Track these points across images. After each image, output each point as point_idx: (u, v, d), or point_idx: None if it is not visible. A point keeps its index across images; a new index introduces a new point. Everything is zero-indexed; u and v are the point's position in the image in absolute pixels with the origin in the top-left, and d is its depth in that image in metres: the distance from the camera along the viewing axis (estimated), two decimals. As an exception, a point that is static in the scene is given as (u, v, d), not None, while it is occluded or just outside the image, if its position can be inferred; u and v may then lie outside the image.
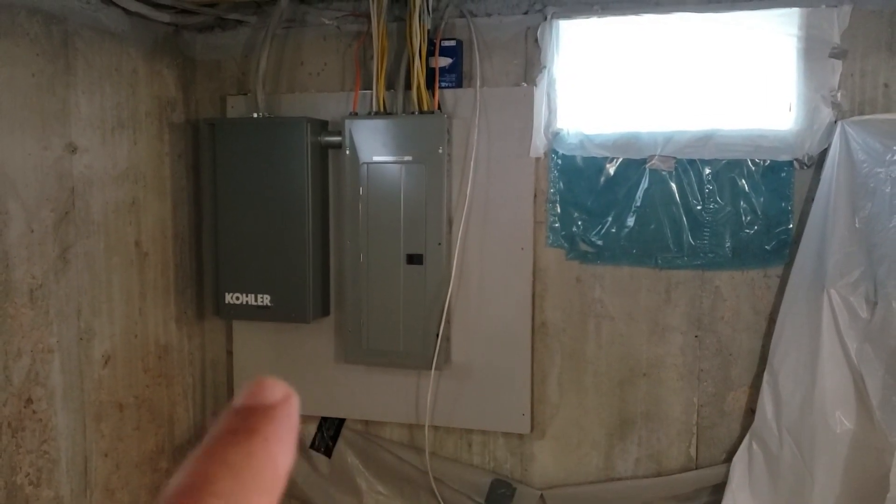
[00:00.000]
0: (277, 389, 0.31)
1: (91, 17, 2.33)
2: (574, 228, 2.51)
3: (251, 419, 0.30)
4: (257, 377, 0.32)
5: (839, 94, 2.26)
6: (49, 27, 2.19)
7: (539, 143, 2.48)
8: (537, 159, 2.51)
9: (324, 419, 2.83)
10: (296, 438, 0.31)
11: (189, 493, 0.28)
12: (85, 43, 2.32)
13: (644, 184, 2.43)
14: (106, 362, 2.44)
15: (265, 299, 2.61)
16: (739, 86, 2.38)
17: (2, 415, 2.08)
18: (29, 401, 2.17)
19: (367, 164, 2.52)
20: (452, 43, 2.52)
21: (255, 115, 2.60)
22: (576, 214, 2.51)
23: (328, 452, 2.82)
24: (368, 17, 2.48)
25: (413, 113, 2.49)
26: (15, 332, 2.11)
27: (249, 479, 0.29)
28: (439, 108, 2.50)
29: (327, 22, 2.64)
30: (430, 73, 2.49)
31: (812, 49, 2.28)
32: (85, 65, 2.32)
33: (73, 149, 2.28)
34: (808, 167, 2.32)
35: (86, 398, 2.37)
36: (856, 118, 2.23)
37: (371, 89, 2.52)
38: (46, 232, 2.20)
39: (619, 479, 2.57)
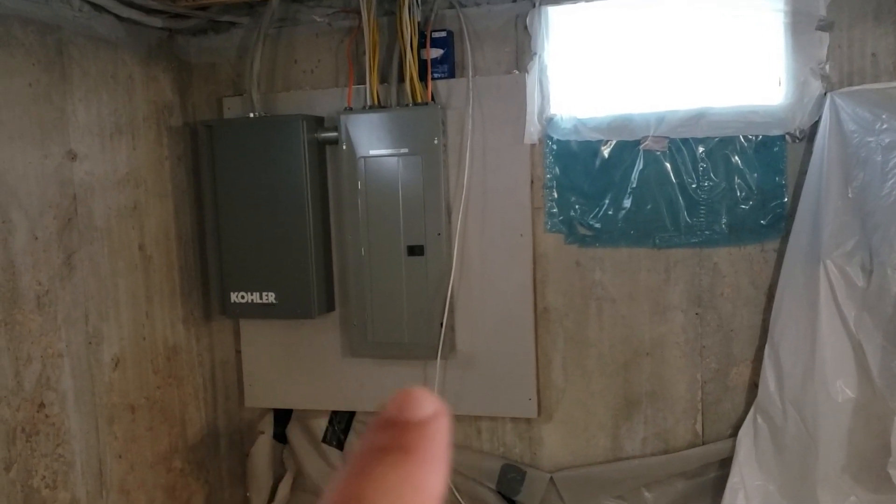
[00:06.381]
0: (428, 403, 0.28)
1: (85, 26, 2.36)
2: (572, 213, 2.53)
3: (404, 436, 0.27)
4: (406, 388, 0.29)
5: (827, 66, 2.28)
6: (44, 37, 2.22)
7: (533, 130, 2.50)
8: (532, 146, 2.53)
9: (334, 413, 2.86)
10: (448, 459, 0.28)
11: None
12: (80, 51, 2.35)
13: (639, 165, 2.45)
14: (116, 365, 2.48)
15: (270, 297, 2.64)
16: (729, 63, 2.39)
17: (15, 420, 2.12)
18: (41, 405, 2.20)
19: (365, 158, 2.54)
20: (443, 34, 2.54)
21: (252, 115, 2.63)
22: (573, 199, 2.53)
23: (340, 446, 2.85)
24: (359, 12, 2.50)
25: (407, 105, 2.51)
26: (24, 339, 2.15)
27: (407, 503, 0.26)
28: (433, 99, 2.53)
29: (318, 19, 2.67)
30: (423, 65, 2.51)
31: (799, 23, 2.29)
32: (81, 73, 2.35)
33: (72, 156, 2.31)
34: (801, 140, 2.33)
35: (97, 401, 2.40)
36: (845, 89, 2.25)
37: (365, 84, 2.55)
38: (50, 239, 2.23)
39: (627, 459, 2.60)
